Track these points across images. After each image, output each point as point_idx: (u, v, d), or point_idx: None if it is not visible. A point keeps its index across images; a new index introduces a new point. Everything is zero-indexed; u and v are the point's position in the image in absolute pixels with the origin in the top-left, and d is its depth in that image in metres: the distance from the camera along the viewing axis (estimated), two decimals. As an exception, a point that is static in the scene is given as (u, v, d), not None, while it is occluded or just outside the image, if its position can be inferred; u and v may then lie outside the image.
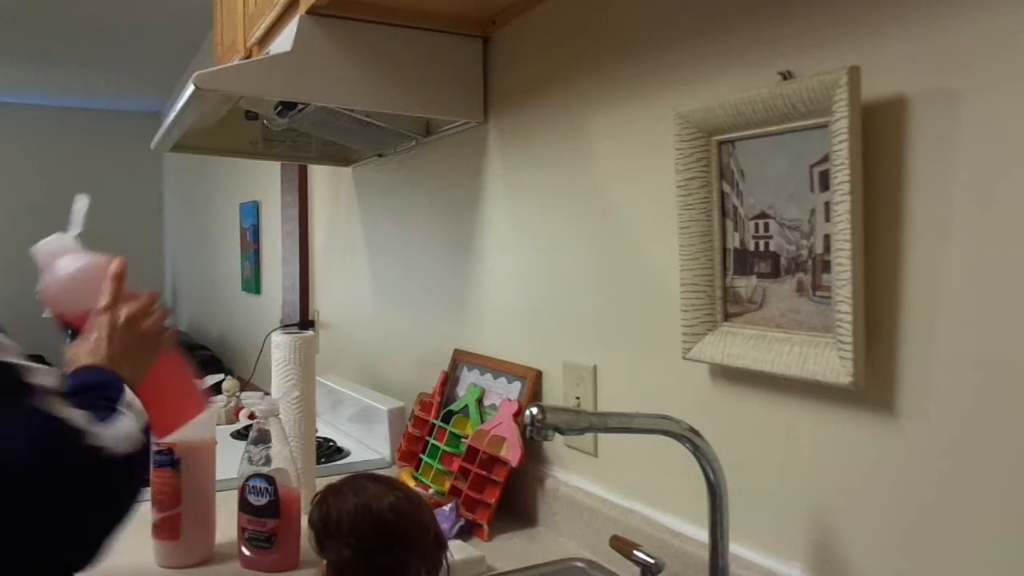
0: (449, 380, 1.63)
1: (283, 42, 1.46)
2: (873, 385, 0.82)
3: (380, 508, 0.82)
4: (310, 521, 0.83)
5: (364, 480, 0.86)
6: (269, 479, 1.17)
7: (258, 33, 1.70)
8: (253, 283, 3.43)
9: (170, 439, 1.19)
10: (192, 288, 5.41)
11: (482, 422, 1.46)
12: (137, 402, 0.82)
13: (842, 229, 0.81)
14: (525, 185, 1.45)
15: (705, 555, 0.92)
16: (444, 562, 0.85)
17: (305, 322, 2.61)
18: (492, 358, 1.53)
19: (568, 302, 1.33)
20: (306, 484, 1.34)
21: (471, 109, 1.56)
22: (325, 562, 0.83)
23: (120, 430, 0.75)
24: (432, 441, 1.55)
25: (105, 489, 0.73)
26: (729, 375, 1.01)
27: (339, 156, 2.16)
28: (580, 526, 1.25)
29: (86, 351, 0.88)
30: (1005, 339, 0.72)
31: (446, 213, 1.73)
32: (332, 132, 1.79)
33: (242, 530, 1.19)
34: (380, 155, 1.99)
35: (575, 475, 1.32)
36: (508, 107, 1.50)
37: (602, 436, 1.25)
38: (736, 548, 0.96)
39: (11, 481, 0.65)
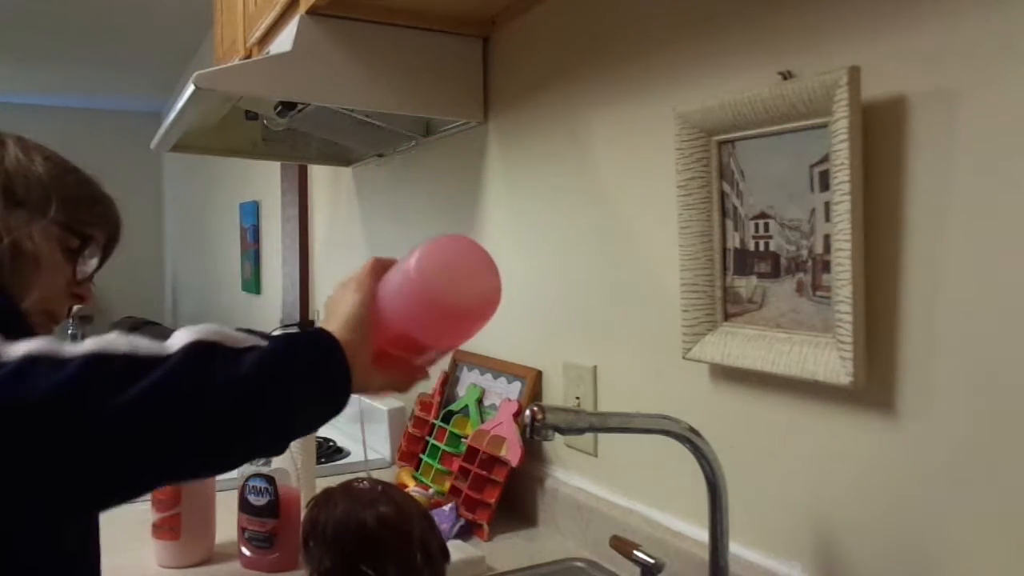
0: (449, 380, 1.63)
1: (283, 42, 1.46)
2: (873, 385, 0.82)
3: (364, 518, 0.81)
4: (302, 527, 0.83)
5: (359, 487, 0.86)
6: (269, 479, 1.17)
7: (258, 33, 1.70)
8: (253, 283, 3.43)
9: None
10: (192, 288, 5.40)
11: (482, 422, 1.46)
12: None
13: (842, 229, 0.81)
14: (525, 185, 1.45)
15: (705, 555, 0.92)
16: (434, 572, 0.84)
17: (305, 322, 2.61)
18: (492, 358, 1.53)
19: (568, 302, 1.33)
20: (306, 484, 1.34)
21: (471, 109, 1.56)
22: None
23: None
24: (432, 441, 1.55)
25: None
26: (729, 375, 1.01)
27: (339, 156, 2.16)
28: (580, 526, 1.25)
29: (343, 319, 0.70)
30: (1005, 338, 0.72)
31: (446, 213, 1.73)
32: (332, 132, 1.79)
33: (242, 530, 1.19)
34: (380, 155, 1.99)
35: (575, 475, 1.31)
36: (508, 107, 1.50)
37: (602, 436, 1.25)
38: (736, 548, 0.96)
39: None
